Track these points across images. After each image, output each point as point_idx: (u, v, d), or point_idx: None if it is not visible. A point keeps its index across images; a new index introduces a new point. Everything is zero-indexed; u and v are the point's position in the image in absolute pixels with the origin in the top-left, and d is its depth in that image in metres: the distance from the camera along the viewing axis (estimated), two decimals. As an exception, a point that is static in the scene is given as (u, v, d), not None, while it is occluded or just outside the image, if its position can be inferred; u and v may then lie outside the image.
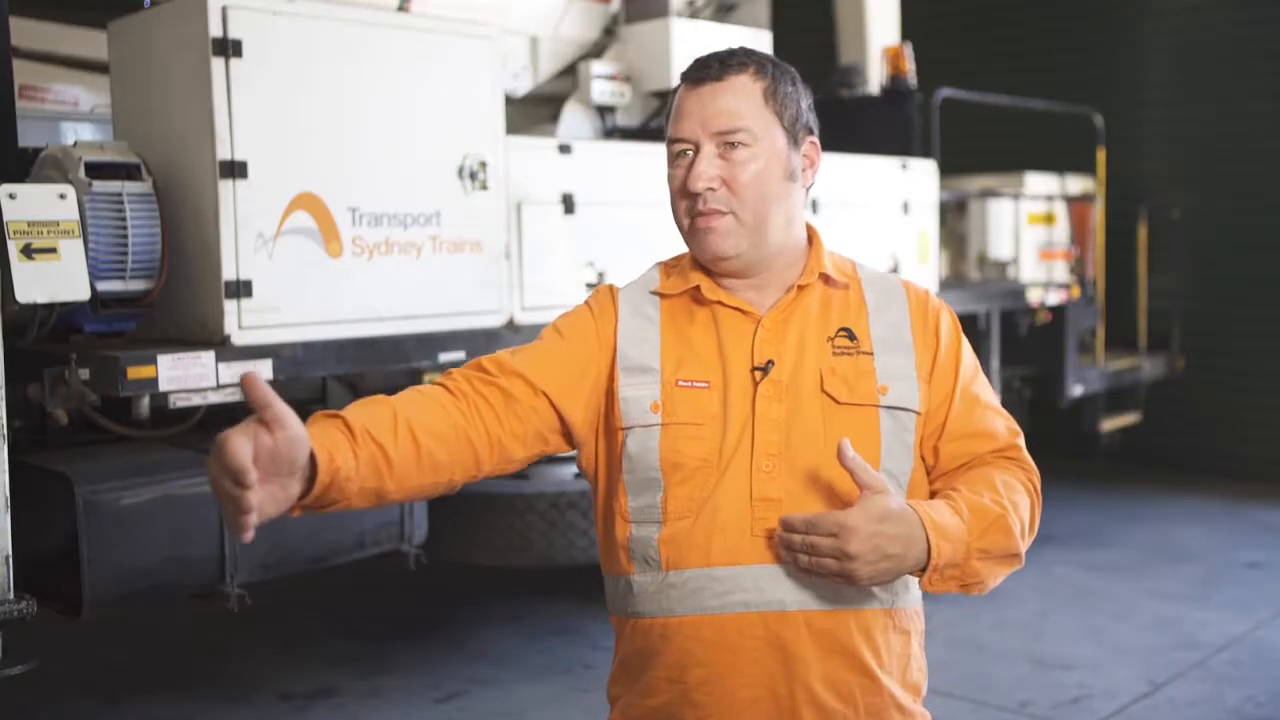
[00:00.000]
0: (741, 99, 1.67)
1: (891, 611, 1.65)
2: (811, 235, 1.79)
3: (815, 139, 1.75)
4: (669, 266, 1.80)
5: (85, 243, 3.18)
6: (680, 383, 1.67)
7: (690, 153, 1.68)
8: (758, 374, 1.65)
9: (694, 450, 1.63)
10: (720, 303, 1.71)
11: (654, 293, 1.76)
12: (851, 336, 1.70)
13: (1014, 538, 1.61)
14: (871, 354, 1.69)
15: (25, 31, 5.20)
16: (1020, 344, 6.77)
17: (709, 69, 1.69)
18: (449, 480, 1.63)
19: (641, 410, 1.66)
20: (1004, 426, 1.74)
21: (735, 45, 1.77)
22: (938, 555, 1.53)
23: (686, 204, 1.69)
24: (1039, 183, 7.52)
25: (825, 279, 1.74)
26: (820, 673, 1.60)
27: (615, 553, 1.70)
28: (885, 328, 1.72)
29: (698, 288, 1.72)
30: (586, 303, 1.79)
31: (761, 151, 1.66)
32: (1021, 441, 1.75)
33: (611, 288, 1.80)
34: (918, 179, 6.03)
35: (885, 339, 1.71)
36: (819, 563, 1.52)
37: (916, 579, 1.63)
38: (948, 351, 1.73)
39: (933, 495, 1.71)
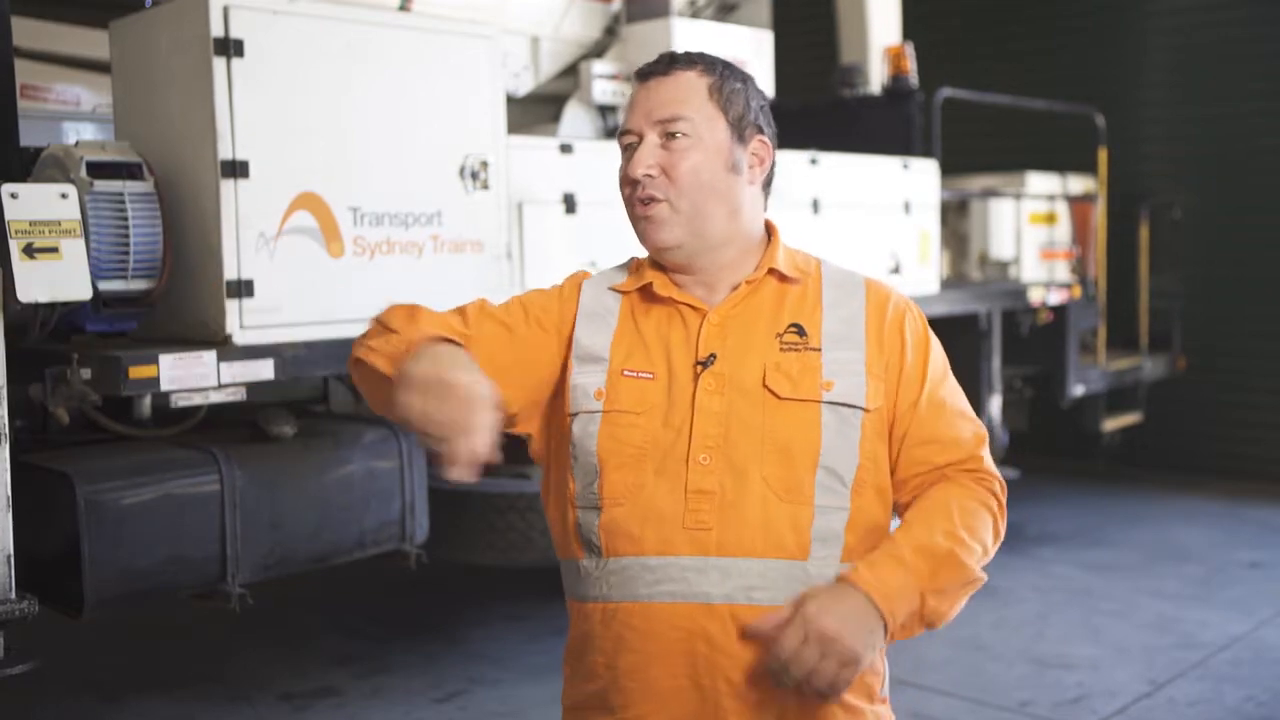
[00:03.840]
0: (685, 92, 1.71)
1: None
2: (771, 232, 1.81)
3: (766, 139, 1.77)
4: (636, 263, 1.83)
5: (87, 242, 3.18)
6: (626, 372, 1.70)
7: (636, 144, 1.72)
8: (699, 367, 1.68)
9: (630, 438, 1.66)
10: (671, 298, 1.74)
11: (612, 289, 1.79)
12: (801, 332, 1.71)
13: (967, 568, 1.63)
14: (819, 350, 1.69)
15: (27, 31, 5.19)
16: (1021, 344, 6.77)
17: (657, 64, 1.75)
18: None
19: (586, 396, 1.70)
20: (969, 432, 1.74)
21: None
22: (892, 619, 1.56)
23: (629, 191, 1.73)
24: (1040, 182, 7.52)
25: (777, 275, 1.75)
26: (745, 665, 1.61)
27: (567, 537, 1.73)
28: (838, 323, 1.72)
29: (650, 284, 1.75)
30: (559, 286, 1.84)
31: (701, 143, 1.70)
32: (984, 451, 1.75)
33: (583, 274, 1.85)
34: (919, 179, 6.03)
35: (836, 335, 1.71)
36: (817, 670, 1.51)
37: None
38: (915, 354, 1.74)
39: (896, 506, 1.73)
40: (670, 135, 1.69)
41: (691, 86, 1.72)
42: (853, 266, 1.88)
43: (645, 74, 1.75)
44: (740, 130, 1.73)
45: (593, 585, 1.69)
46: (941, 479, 1.71)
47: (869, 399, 1.68)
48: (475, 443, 1.43)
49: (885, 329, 1.73)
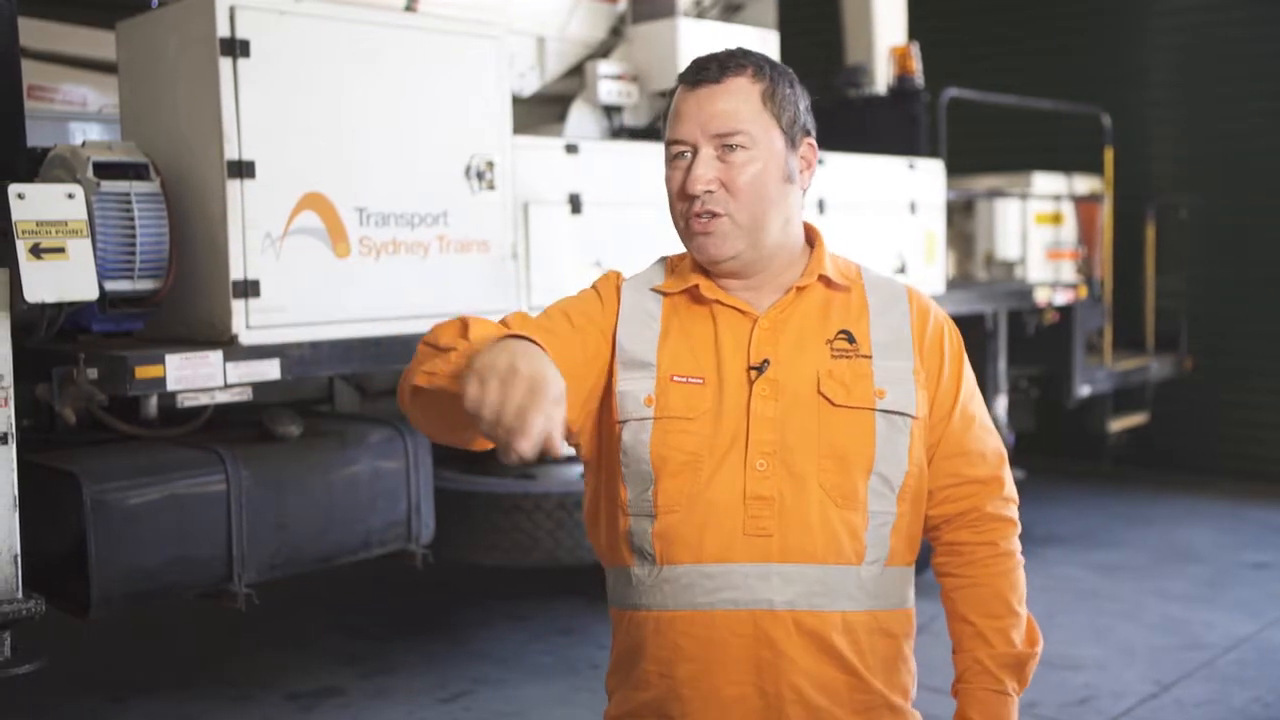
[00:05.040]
0: (740, 101, 1.67)
1: (876, 614, 1.66)
2: (813, 237, 1.80)
3: (813, 140, 1.76)
4: (673, 262, 1.81)
5: (93, 242, 3.18)
6: (675, 378, 1.68)
7: (688, 155, 1.68)
8: (753, 373, 1.66)
9: (684, 444, 1.65)
10: (719, 301, 1.72)
11: (654, 290, 1.77)
12: (851, 339, 1.70)
13: (1033, 652, 1.75)
14: (870, 357, 1.70)
15: (33, 31, 5.20)
16: (1027, 344, 6.76)
17: (707, 70, 1.69)
18: None
19: (636, 404, 1.68)
20: (992, 448, 1.79)
21: (734, 46, 1.76)
22: None
23: (683, 206, 1.70)
24: (1046, 182, 7.51)
25: (825, 281, 1.75)
26: (807, 671, 1.62)
27: (617, 545, 1.71)
28: (885, 331, 1.72)
29: (696, 286, 1.73)
30: (594, 287, 1.80)
31: (760, 154, 1.67)
32: (1005, 470, 1.79)
33: (618, 275, 1.82)
34: (925, 179, 6.02)
35: (885, 343, 1.71)
36: None
37: (909, 581, 1.72)
38: (951, 368, 1.76)
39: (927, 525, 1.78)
40: (728, 148, 1.66)
41: (745, 95, 1.67)
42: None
43: (694, 80, 1.70)
44: (792, 136, 1.71)
45: (645, 594, 1.67)
46: (968, 518, 1.76)
47: (917, 407, 1.70)
48: (545, 427, 1.31)
49: (927, 339, 1.75)
